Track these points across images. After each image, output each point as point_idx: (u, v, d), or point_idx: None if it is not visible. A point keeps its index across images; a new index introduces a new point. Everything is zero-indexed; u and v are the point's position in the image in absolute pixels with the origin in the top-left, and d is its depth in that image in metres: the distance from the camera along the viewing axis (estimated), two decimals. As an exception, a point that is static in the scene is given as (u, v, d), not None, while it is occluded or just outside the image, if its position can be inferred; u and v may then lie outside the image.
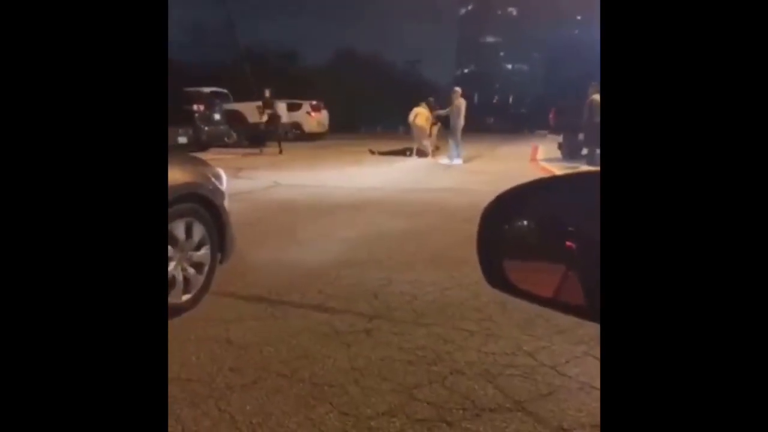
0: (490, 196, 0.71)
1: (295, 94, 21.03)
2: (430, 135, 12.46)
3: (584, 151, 11.57)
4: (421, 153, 12.31)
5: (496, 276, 0.67)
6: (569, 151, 11.50)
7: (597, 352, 2.27)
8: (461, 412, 1.84)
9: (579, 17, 46.25)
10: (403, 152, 13.15)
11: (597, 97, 10.50)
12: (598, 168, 0.50)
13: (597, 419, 1.81)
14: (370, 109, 29.67)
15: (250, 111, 16.58)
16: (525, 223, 0.74)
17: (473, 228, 0.71)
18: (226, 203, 3.04)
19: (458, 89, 11.88)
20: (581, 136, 11.18)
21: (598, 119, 10.41)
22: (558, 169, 9.88)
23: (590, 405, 1.89)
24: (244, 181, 8.10)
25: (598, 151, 10.84)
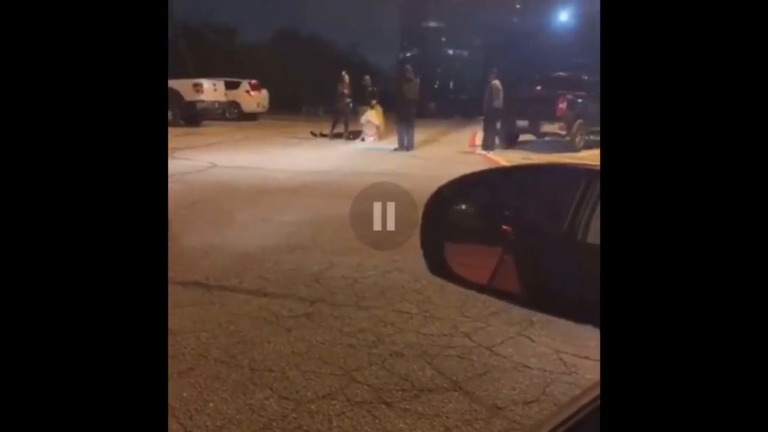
0: (429, 181, 0.72)
1: (233, 72, 20.36)
2: (378, 127, 12.42)
3: (520, 138, 11.87)
4: (363, 137, 12.29)
5: (436, 262, 0.69)
6: (506, 138, 11.80)
7: (530, 332, 2.37)
8: (400, 393, 1.88)
9: (518, 6, 47.25)
10: (345, 135, 13.05)
11: (496, 82, 10.77)
12: (539, 161, 0.50)
13: (528, 396, 1.89)
14: (311, 90, 29.21)
15: (186, 89, 15.90)
16: (464, 207, 0.76)
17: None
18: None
19: (409, 67, 11.66)
20: (520, 123, 11.45)
21: (495, 104, 10.73)
22: (495, 155, 10.13)
23: (523, 383, 1.98)
24: (179, 162, 7.80)
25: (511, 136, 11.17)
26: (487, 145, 10.80)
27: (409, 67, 11.72)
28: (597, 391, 0.43)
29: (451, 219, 0.73)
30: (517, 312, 2.46)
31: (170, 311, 2.51)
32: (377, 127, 12.32)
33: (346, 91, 12.82)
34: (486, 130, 11.05)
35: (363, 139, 12.28)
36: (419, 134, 11.53)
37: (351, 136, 12.69)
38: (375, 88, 12.98)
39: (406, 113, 10.81)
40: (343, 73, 13.11)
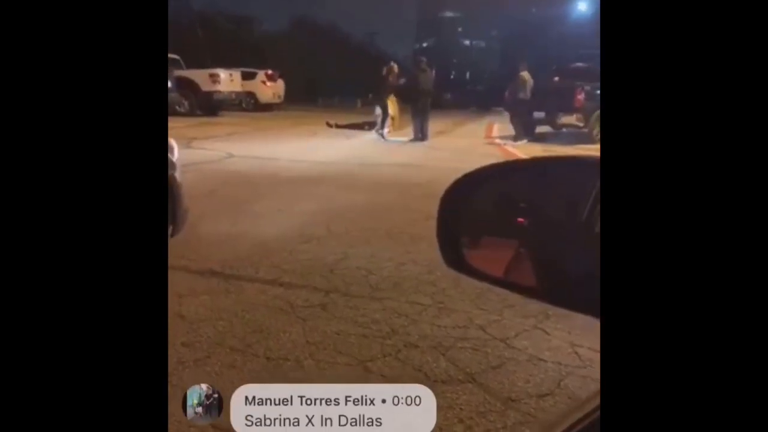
0: (446, 172, 0.72)
1: (249, 62, 20.41)
2: (394, 118, 12.39)
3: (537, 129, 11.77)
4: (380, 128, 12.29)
5: (452, 255, 0.69)
6: (522, 129, 11.71)
7: (545, 325, 2.36)
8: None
9: (536, -5, 46.61)
10: (361, 126, 13.04)
11: (524, 74, 10.73)
12: (552, 153, 0.50)
13: (543, 390, 1.89)
14: (327, 80, 29.19)
15: (203, 79, 15.99)
16: (480, 199, 0.76)
17: (430, 204, 0.71)
18: (178, 174, 2.95)
19: (424, 58, 11.69)
20: (537, 114, 11.35)
21: (521, 95, 10.70)
22: (512, 147, 10.05)
23: (537, 376, 1.97)
24: (196, 151, 7.86)
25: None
26: (518, 136, 10.77)
27: (423, 58, 11.72)
28: (597, 401, 0.43)
29: (468, 212, 0.73)
30: (533, 305, 2.45)
31: (187, 300, 2.55)
32: (392, 119, 12.30)
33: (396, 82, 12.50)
34: (513, 122, 11.04)
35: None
36: (435, 125, 11.50)
37: (367, 127, 12.67)
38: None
39: (421, 104, 10.83)
40: (392, 63, 12.77)
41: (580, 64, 12.28)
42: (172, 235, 2.92)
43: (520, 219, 0.71)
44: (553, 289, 0.66)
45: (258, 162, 7.33)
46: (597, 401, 0.43)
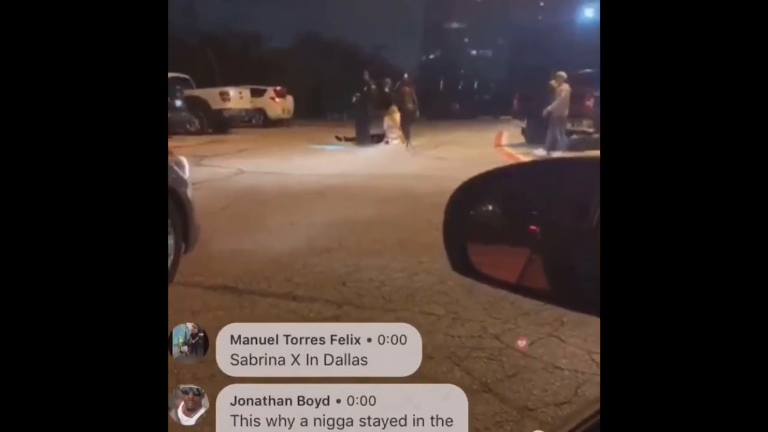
0: (455, 182, 0.71)
1: (258, 79, 20.62)
2: (400, 129, 12.48)
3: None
4: (387, 139, 12.38)
5: (460, 261, 0.68)
6: (533, 137, 11.65)
7: (560, 333, 2.33)
8: (429, 395, 1.87)
9: (542, 3, 46.73)
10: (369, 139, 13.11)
11: (552, 83, 10.59)
12: (559, 155, 0.50)
13: (560, 398, 1.86)
14: (335, 94, 29.39)
15: (213, 97, 16.17)
16: (490, 207, 0.75)
17: (440, 214, 0.71)
18: (189, 191, 2.98)
19: (407, 76, 12.28)
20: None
21: (551, 106, 10.56)
22: (522, 155, 10.02)
23: (554, 384, 1.95)
24: (207, 169, 7.94)
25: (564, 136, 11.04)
26: (554, 146, 10.59)
27: (406, 74, 12.60)
28: (597, 406, 0.42)
29: (474, 218, 0.72)
30: (547, 313, 2.43)
31: (200, 315, 2.55)
32: (399, 130, 12.39)
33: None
34: (549, 131, 10.90)
35: (387, 142, 12.37)
36: (443, 135, 11.52)
37: (374, 140, 12.74)
38: (396, 92, 13.01)
39: (407, 118, 11.89)
40: (407, 75, 12.98)
41: (588, 70, 12.24)
42: (184, 252, 2.94)
43: (532, 227, 0.71)
44: (567, 293, 0.66)
45: (268, 177, 7.38)
46: (598, 405, 0.42)
